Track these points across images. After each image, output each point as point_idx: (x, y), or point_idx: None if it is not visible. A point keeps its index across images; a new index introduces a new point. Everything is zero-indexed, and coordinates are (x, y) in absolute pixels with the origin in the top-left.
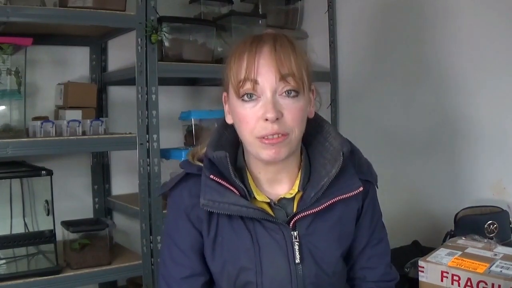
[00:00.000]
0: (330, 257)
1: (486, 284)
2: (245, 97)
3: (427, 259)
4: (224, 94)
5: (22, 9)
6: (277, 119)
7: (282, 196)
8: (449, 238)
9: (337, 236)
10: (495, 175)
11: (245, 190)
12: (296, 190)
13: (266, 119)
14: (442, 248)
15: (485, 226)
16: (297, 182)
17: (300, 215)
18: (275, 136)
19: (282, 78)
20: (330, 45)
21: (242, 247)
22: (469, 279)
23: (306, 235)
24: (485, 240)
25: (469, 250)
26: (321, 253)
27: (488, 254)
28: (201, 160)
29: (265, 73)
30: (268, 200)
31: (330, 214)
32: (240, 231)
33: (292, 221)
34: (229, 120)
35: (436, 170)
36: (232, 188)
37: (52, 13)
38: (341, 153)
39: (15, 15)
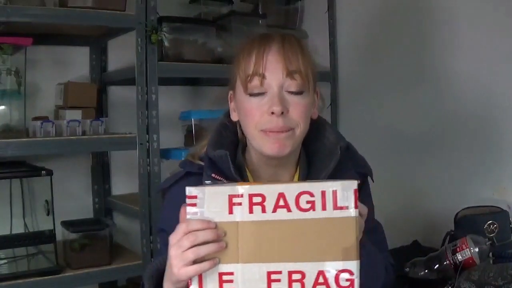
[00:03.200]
0: None
1: (312, 195)
2: (253, 91)
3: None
4: (230, 92)
5: (22, 9)
6: (282, 113)
7: None
8: (449, 238)
9: None
10: (495, 175)
11: None
12: None
13: (272, 113)
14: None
15: (485, 226)
16: (296, 176)
17: None
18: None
19: (289, 74)
20: (330, 45)
21: None
22: (281, 196)
23: None
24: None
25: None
26: None
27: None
28: (201, 160)
29: (273, 69)
30: None
31: None
32: None
33: None
34: (234, 118)
35: (436, 170)
36: None
37: (52, 13)
38: (338, 147)
39: (15, 15)
